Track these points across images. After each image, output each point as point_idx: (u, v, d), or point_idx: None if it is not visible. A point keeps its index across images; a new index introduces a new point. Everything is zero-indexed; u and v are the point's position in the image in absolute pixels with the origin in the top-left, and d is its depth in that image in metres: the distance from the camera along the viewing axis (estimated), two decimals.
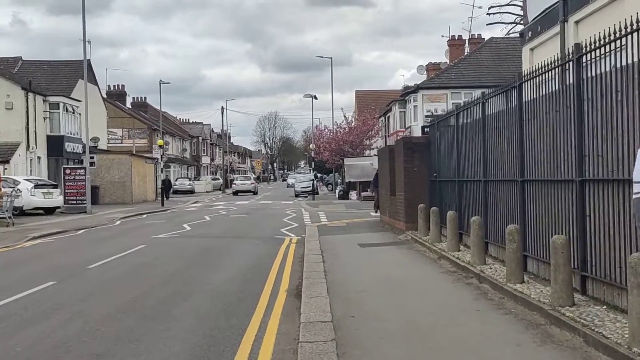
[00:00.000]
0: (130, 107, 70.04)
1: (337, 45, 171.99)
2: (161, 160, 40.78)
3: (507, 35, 39.36)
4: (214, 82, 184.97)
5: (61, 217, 27.13)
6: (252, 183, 54.91)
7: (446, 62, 46.70)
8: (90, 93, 43.95)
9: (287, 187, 68.41)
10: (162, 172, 38.94)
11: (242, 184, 53.63)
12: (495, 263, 10.15)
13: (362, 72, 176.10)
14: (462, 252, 11.62)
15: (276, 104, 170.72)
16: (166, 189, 37.17)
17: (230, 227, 21.58)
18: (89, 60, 44.97)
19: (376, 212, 23.19)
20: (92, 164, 40.84)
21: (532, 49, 19.16)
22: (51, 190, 28.66)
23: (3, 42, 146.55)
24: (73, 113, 38.69)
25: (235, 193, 51.99)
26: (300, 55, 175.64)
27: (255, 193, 52.37)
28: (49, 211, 28.82)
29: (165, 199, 36.91)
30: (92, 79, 45.01)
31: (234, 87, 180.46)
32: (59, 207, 29.61)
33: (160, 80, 45.81)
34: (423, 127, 29.90)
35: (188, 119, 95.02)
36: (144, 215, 29.24)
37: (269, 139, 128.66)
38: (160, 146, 38.45)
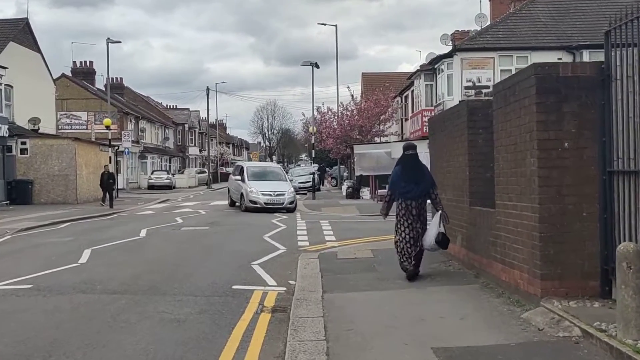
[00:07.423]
0: (102, 88, 60.40)
1: (341, 39, 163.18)
2: (110, 147, 31.09)
3: None
4: (217, 75, 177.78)
5: None
6: None
7: (475, 30, 37.01)
8: (29, 61, 34.53)
9: (230, 205, 27.28)
10: (109, 161, 29.10)
11: None
12: None
13: (366, 65, 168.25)
14: None
15: (279, 98, 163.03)
16: (106, 185, 27.39)
17: (159, 258, 11.91)
18: (26, 19, 35.41)
19: None
20: (23, 151, 31.60)
21: None
22: None
23: None
24: None
25: None
26: (304, 49, 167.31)
27: None
28: None
29: (109, 198, 27.25)
30: (32, 44, 35.29)
31: (237, 80, 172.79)
32: None
33: (108, 39, 35.83)
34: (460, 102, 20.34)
35: (176, 105, 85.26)
36: (64, 224, 19.74)
37: (268, 130, 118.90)
38: (107, 127, 28.71)
